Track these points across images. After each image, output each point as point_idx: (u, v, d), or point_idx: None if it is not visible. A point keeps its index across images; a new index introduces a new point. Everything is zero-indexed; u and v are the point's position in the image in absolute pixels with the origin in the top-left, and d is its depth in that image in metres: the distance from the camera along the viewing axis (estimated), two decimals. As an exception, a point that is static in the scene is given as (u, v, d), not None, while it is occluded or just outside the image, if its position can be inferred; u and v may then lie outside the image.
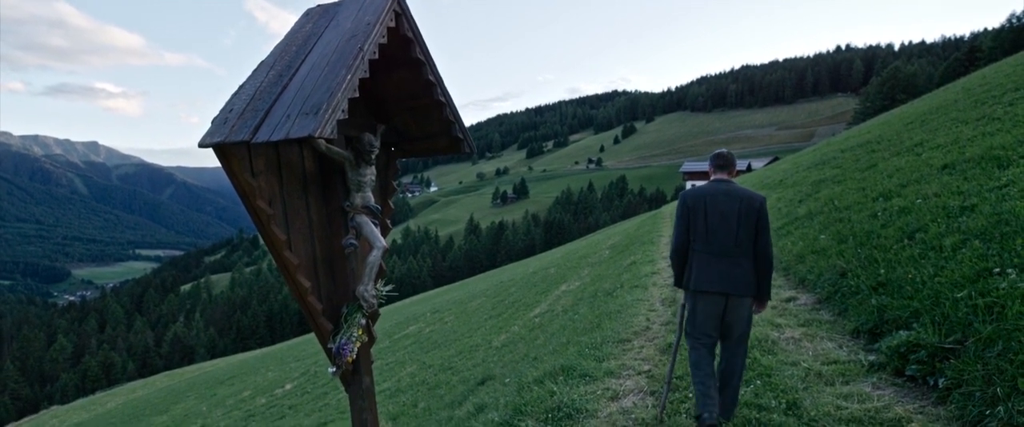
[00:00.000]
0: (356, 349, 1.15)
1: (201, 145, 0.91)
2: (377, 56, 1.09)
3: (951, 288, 3.35)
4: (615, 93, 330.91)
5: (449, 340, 12.58)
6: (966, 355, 2.77)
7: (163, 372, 50.00)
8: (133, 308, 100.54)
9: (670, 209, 25.93)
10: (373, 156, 1.11)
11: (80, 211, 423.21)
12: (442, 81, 1.26)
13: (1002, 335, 2.69)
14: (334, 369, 1.19)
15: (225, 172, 0.95)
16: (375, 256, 1.16)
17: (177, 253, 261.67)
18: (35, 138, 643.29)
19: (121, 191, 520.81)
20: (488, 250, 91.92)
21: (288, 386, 14.77)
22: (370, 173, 1.12)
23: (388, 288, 1.27)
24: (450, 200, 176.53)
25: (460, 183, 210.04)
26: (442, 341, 12.81)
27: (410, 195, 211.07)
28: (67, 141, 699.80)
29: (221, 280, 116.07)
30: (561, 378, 3.72)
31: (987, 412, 2.39)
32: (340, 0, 1.04)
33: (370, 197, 1.13)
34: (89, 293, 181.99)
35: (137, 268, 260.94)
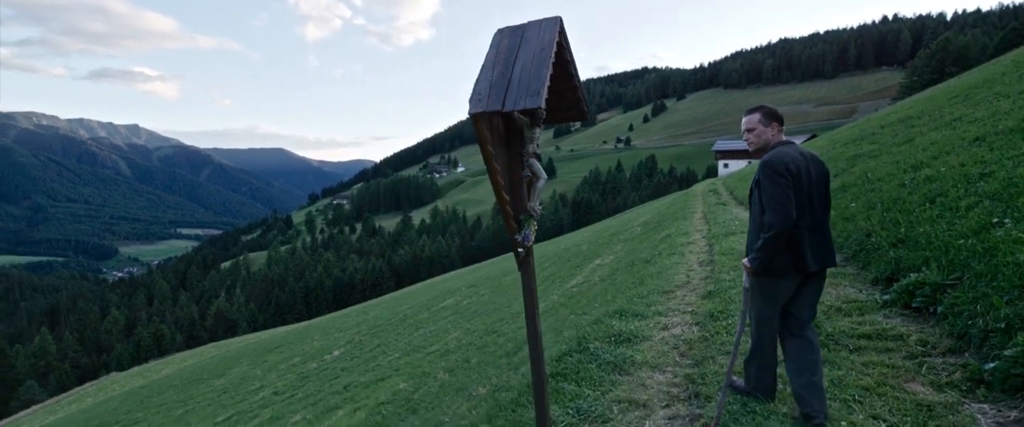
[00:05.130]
0: (533, 237, 1.75)
1: (470, 114, 1.47)
2: (554, 60, 1.56)
3: (958, 239, 3.83)
4: (645, 70, 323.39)
5: (488, 310, 12.80)
6: (962, 288, 3.30)
7: (209, 343, 52.77)
8: (178, 284, 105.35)
9: (703, 188, 25.77)
10: (541, 120, 1.66)
11: (124, 191, 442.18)
12: (578, 72, 1.83)
13: (991, 270, 3.21)
14: (521, 250, 1.76)
15: (475, 129, 1.50)
16: (540, 184, 1.76)
17: (215, 232, 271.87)
18: (80, 121, 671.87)
19: (161, 172, 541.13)
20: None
21: (336, 353, 15.16)
22: (538, 131, 1.69)
23: (540, 206, 1.82)
24: (477, 180, 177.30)
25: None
26: (482, 311, 13.06)
27: (437, 175, 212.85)
28: (110, 124, 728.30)
29: (258, 258, 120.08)
30: (617, 317, 4.29)
31: (970, 324, 2.97)
32: (524, 24, 1.60)
33: (536, 147, 1.71)
34: (136, 269, 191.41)
35: (179, 246, 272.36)
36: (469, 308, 14.45)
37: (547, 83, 1.42)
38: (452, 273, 47.42)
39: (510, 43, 1.54)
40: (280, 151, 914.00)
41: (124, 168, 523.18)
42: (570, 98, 1.86)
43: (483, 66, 1.51)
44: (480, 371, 6.02)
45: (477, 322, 11.33)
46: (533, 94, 1.41)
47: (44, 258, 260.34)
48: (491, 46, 1.57)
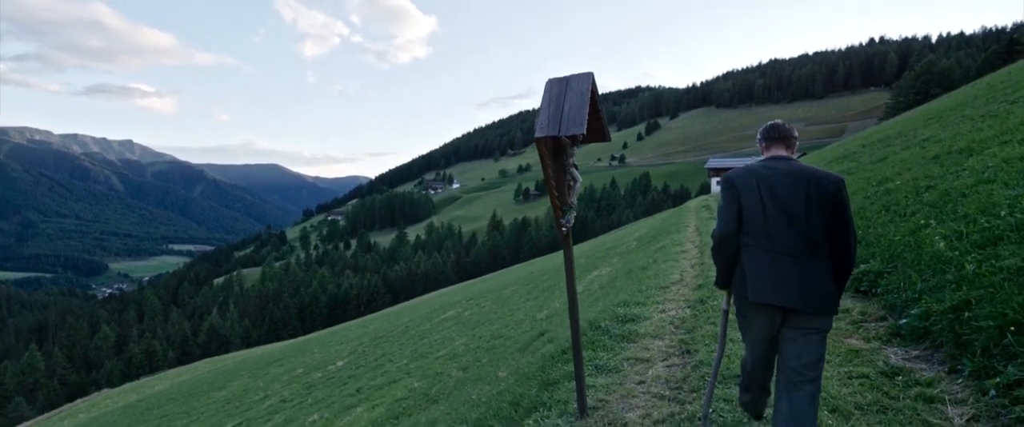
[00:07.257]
0: (573, 221, 2.49)
1: (535, 137, 2.18)
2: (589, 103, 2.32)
3: (897, 237, 4.75)
4: (638, 89, 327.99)
5: (492, 319, 12.89)
6: (895, 273, 4.19)
7: (203, 359, 52.47)
8: (169, 300, 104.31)
9: (696, 204, 26.49)
10: (579, 141, 2.37)
11: (116, 207, 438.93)
12: (602, 107, 2.58)
13: (917, 259, 4.11)
14: (564, 230, 2.48)
15: (537, 148, 2.23)
16: (577, 185, 2.47)
17: (208, 248, 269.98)
18: (74, 137, 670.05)
19: (155, 188, 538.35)
20: (511, 246, 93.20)
21: (340, 363, 14.91)
22: (576, 148, 2.42)
23: (576, 201, 2.54)
24: (473, 197, 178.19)
25: (482, 180, 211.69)
26: (484, 320, 13.15)
27: (432, 192, 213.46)
28: (104, 139, 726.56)
29: (251, 274, 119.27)
30: (622, 306, 5.05)
31: (895, 297, 3.87)
32: (568, 76, 2.35)
33: (573, 159, 2.45)
34: (126, 286, 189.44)
35: (170, 262, 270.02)
36: (471, 318, 14.65)
37: (587, 117, 2.17)
38: (449, 288, 47.70)
39: (559, 89, 2.30)
40: (275, 167, 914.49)
41: (116, 184, 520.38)
42: (597, 125, 2.64)
43: (541, 105, 2.27)
44: (495, 365, 6.59)
45: (482, 330, 11.53)
46: (578, 124, 2.15)
47: (32, 274, 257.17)
48: (545, 91, 2.33)
